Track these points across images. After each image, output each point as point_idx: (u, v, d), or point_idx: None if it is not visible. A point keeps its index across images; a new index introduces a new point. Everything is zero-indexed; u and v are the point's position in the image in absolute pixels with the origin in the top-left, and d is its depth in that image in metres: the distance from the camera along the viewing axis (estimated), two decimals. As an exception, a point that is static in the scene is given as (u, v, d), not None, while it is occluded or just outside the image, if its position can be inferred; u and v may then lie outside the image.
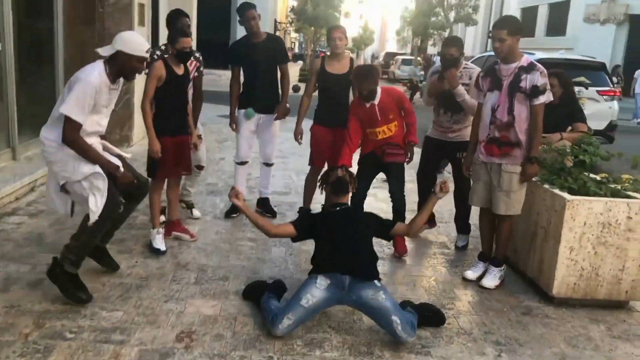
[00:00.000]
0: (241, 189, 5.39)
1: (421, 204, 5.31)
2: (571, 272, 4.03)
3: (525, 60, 4.13)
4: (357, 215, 3.81)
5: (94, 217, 3.46)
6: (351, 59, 5.20)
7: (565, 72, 5.20)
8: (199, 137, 5.10)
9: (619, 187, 4.28)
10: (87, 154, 3.45)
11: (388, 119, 4.60)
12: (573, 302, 4.08)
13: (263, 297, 3.63)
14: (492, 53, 4.56)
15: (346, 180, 3.80)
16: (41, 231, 4.72)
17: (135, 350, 3.09)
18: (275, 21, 30.77)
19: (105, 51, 3.52)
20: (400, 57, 37.96)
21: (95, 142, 3.63)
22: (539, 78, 4.05)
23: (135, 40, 3.52)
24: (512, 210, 4.23)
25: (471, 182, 4.53)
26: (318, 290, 3.40)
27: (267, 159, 5.59)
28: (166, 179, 4.66)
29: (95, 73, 3.41)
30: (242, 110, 5.31)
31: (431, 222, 5.52)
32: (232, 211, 5.45)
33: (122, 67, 3.50)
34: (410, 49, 42.28)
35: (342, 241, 3.55)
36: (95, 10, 7.51)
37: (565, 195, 4.02)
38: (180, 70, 4.42)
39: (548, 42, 25.83)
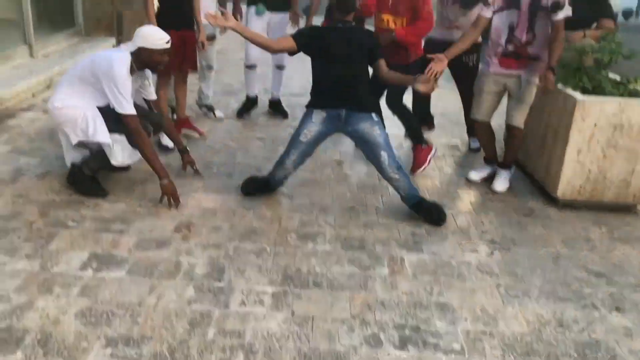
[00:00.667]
0: (251, 90, 5.34)
1: (419, 109, 5.19)
2: (578, 175, 3.95)
3: None
4: (356, 35, 3.64)
5: (116, 162, 3.65)
6: None
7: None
8: (213, 37, 5.00)
9: (638, 88, 4.09)
10: (149, 149, 3.59)
11: (397, 11, 4.24)
12: (578, 205, 4.03)
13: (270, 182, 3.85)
14: None
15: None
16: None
17: (134, 239, 3.21)
18: None
19: (128, 48, 3.56)
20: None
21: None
22: None
23: (154, 35, 3.54)
24: (523, 121, 4.12)
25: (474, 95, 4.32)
26: (314, 125, 3.59)
27: (278, 61, 5.39)
28: (172, 76, 4.63)
29: (124, 70, 3.46)
30: (252, 7, 5.11)
31: (430, 124, 5.42)
32: (244, 109, 5.40)
33: (146, 62, 3.57)
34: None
35: (336, 69, 3.57)
36: None
37: (577, 95, 3.87)
38: (183, -38, 4.29)
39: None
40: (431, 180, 4.36)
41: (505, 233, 3.62)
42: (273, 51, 3.79)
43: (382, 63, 3.67)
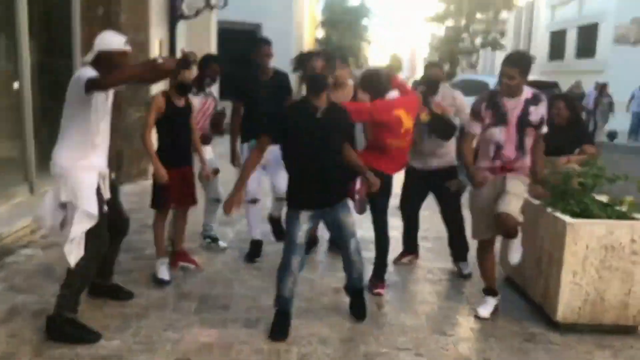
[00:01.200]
0: (255, 231, 5.26)
1: (406, 237, 5.27)
2: (575, 297, 3.94)
3: (527, 92, 4.04)
4: (331, 125, 3.68)
5: (71, 261, 3.53)
6: (354, 87, 5.18)
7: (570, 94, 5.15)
8: (217, 170, 5.14)
9: (624, 209, 4.20)
10: (124, 73, 3.45)
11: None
12: (580, 328, 3.98)
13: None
14: (465, 77, 4.56)
15: (323, 76, 3.69)
16: (51, 262, 4.83)
17: (128, 379, 3.14)
18: (302, 52, 31.16)
19: (88, 57, 3.60)
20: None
21: (101, 167, 3.71)
22: (544, 109, 4.05)
23: (111, 37, 3.61)
24: (514, 210, 3.96)
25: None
26: (304, 225, 3.73)
27: (280, 193, 5.16)
28: (171, 210, 4.74)
29: (89, 71, 3.47)
30: (245, 144, 5.11)
31: (416, 253, 5.35)
32: (253, 255, 5.23)
33: (107, 66, 3.52)
34: (439, 76, 42.29)
35: (311, 166, 3.67)
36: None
37: (566, 218, 3.96)
38: (180, 103, 4.53)
39: (578, 65, 25.47)
40: (430, 306, 4.34)
41: (508, 360, 3.55)
42: (256, 159, 3.91)
43: (348, 149, 3.83)
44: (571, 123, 5.07)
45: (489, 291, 4.32)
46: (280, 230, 5.36)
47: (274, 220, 5.55)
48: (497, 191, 4.08)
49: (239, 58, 21.90)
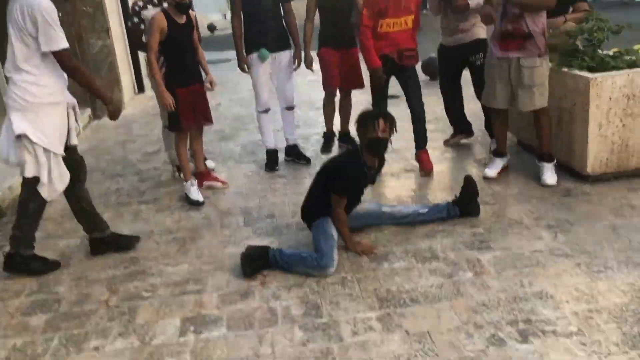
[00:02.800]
0: (270, 140, 5.18)
1: (450, 114, 5.33)
2: (602, 148, 4.14)
3: None
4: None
5: (44, 192, 3.45)
6: None
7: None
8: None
9: (634, 58, 4.34)
10: (89, 79, 3.48)
11: (410, 10, 4.48)
12: (607, 177, 4.21)
13: (270, 258, 3.39)
14: None
15: (386, 140, 3.49)
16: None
17: (215, 296, 3.18)
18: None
19: None
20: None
21: (67, 101, 3.52)
22: None
23: None
24: (537, 104, 4.20)
25: (486, 85, 4.46)
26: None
27: (288, 102, 5.15)
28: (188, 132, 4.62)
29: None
30: (254, 54, 4.89)
31: (469, 131, 5.41)
32: (272, 165, 5.15)
33: None
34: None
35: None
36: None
37: (587, 74, 4.07)
38: (182, 20, 4.31)
39: None
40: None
41: (557, 215, 3.75)
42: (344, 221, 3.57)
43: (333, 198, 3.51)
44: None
45: (498, 153, 4.55)
46: (302, 155, 5.27)
47: (292, 149, 5.32)
48: (513, 70, 4.20)
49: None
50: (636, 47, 4.47)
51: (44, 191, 3.45)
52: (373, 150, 3.51)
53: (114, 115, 3.68)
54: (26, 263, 3.57)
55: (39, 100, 3.32)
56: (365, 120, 3.49)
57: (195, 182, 4.58)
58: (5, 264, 3.58)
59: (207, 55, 5.02)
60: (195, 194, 4.50)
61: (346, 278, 3.24)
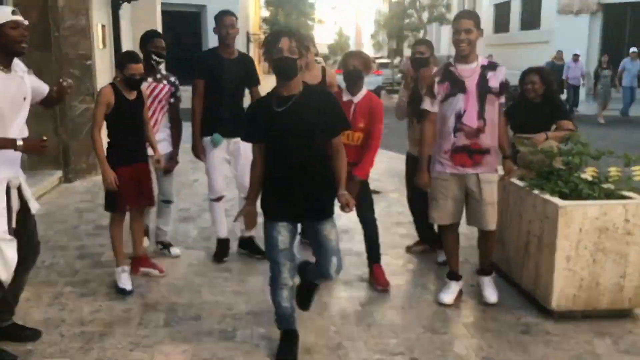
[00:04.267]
0: (222, 230, 4.81)
1: (416, 223, 4.99)
2: (570, 283, 3.75)
3: (482, 59, 3.88)
4: (310, 112, 3.11)
5: (5, 277, 3.11)
6: (323, 69, 4.83)
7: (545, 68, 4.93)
8: (176, 161, 4.77)
9: (612, 187, 4.02)
10: None
11: (357, 127, 4.10)
12: (574, 315, 3.80)
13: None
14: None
15: (291, 60, 3.03)
16: None
17: (95, 415, 2.75)
18: (248, 33, 30.51)
19: None
20: (377, 62, 37.84)
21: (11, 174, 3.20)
22: (504, 74, 3.84)
23: None
24: (496, 222, 3.94)
25: (431, 200, 4.07)
26: (284, 231, 3.21)
27: (245, 190, 4.79)
28: (127, 212, 4.31)
29: None
30: (207, 138, 4.63)
31: (434, 243, 4.92)
32: (221, 255, 4.81)
33: (3, 44, 3.07)
34: (387, 52, 42.23)
35: (292, 165, 3.15)
36: (50, 35, 7.13)
37: (557, 200, 3.74)
38: (131, 96, 4.09)
39: (522, 37, 25.73)
40: (416, 301, 4.07)
41: (509, 357, 3.32)
42: (258, 171, 3.29)
43: (335, 140, 3.24)
44: (546, 98, 4.85)
45: (453, 275, 4.14)
46: (258, 249, 4.87)
47: (245, 241, 4.95)
48: (473, 186, 3.89)
49: (184, 42, 21.25)
50: (612, 169, 4.15)
51: None
52: (278, 73, 3.08)
53: (29, 149, 3.18)
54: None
55: None
56: (268, 41, 3.10)
57: (127, 268, 4.22)
58: None
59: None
60: (124, 281, 4.13)
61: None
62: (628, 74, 15.38)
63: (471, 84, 3.81)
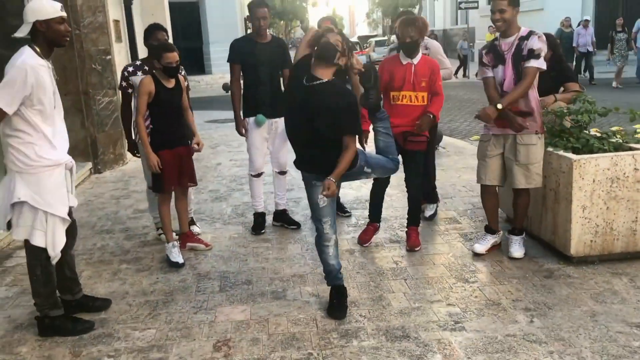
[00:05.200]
0: (259, 203, 5.19)
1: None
2: (586, 230, 4.09)
3: (523, 31, 4.14)
4: (328, 101, 3.29)
5: (53, 254, 3.43)
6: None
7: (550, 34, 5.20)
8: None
9: (620, 140, 4.35)
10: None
11: (419, 86, 4.43)
12: (592, 259, 4.14)
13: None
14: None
15: (333, 47, 3.31)
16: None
17: (177, 366, 3.11)
18: (245, 19, 30.59)
19: (22, 32, 3.30)
20: (373, 40, 37.93)
21: (66, 162, 3.46)
22: (536, 41, 4.06)
23: (44, 4, 3.29)
24: (532, 183, 4.19)
25: (479, 161, 4.43)
26: (319, 188, 3.41)
27: (281, 167, 5.20)
28: (173, 192, 4.65)
29: (23, 57, 3.21)
30: (251, 118, 4.98)
31: (432, 199, 5.34)
32: (259, 228, 5.15)
33: (47, 37, 3.28)
34: (382, 30, 42.24)
35: (298, 134, 3.52)
36: (71, 33, 7.40)
37: (571, 155, 4.07)
38: (170, 84, 4.40)
39: (517, 5, 25.90)
40: (444, 256, 4.42)
41: (536, 298, 3.67)
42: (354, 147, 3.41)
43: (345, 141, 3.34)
44: (553, 62, 5.13)
45: (489, 229, 4.51)
46: (291, 221, 5.28)
47: (279, 214, 5.32)
48: (509, 147, 4.21)
49: (185, 33, 21.39)
50: (614, 128, 4.47)
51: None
52: (320, 55, 3.35)
53: None
54: (56, 325, 3.50)
55: (38, 163, 3.28)
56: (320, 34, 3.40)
57: (177, 243, 4.57)
58: (39, 328, 3.52)
59: (221, 115, 5.09)
60: (176, 255, 4.48)
61: (312, 355, 3.16)
62: None
63: (508, 56, 4.15)
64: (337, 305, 3.65)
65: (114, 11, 8.23)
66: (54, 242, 3.41)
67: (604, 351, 3.04)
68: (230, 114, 6.03)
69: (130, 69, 4.79)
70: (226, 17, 22.07)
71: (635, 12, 18.54)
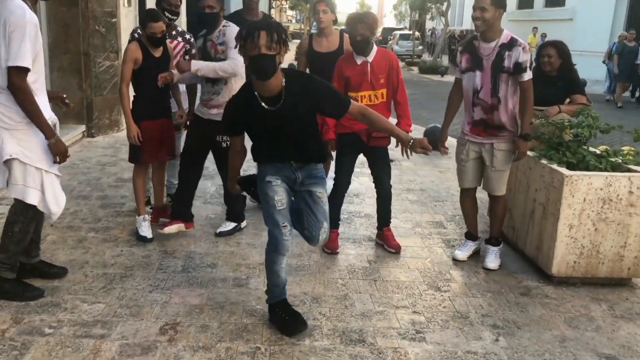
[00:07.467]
0: None
1: None
2: (571, 250, 3.89)
3: (505, 36, 3.92)
4: (303, 101, 2.97)
5: (55, 216, 3.39)
6: (341, 34, 4.93)
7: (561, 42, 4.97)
8: (189, 118, 4.90)
9: (619, 160, 4.13)
10: (34, 107, 3.14)
11: (378, 84, 4.15)
12: (574, 281, 3.95)
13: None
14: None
15: (271, 57, 2.82)
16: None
17: (116, 345, 2.97)
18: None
19: None
20: (398, 33, 37.55)
21: (47, 108, 3.34)
22: (521, 54, 3.85)
23: None
24: (505, 189, 4.11)
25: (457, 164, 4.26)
26: (279, 188, 3.09)
27: None
28: (150, 164, 4.49)
29: (25, 11, 3.06)
30: None
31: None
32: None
33: None
34: (408, 24, 41.81)
35: (280, 139, 3.07)
36: (76, -11, 7.26)
37: (564, 170, 3.87)
38: (157, 53, 4.23)
39: (547, 14, 25.42)
40: (421, 261, 4.24)
41: (507, 316, 3.49)
42: (240, 160, 3.33)
43: (352, 108, 3.06)
44: (562, 71, 4.91)
45: (469, 235, 4.38)
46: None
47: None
48: (484, 155, 4.09)
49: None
50: (625, 148, 4.25)
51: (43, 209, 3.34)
52: (254, 71, 2.87)
53: (56, 151, 3.30)
54: (5, 288, 3.38)
55: (27, 120, 3.17)
56: (243, 36, 2.85)
57: (148, 217, 4.42)
58: None
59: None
60: (145, 230, 4.34)
61: (259, 350, 3.00)
62: None
63: (487, 63, 3.92)
64: (290, 320, 3.21)
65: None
66: (56, 199, 3.37)
67: (567, 381, 2.86)
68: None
69: (140, 31, 4.61)
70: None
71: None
